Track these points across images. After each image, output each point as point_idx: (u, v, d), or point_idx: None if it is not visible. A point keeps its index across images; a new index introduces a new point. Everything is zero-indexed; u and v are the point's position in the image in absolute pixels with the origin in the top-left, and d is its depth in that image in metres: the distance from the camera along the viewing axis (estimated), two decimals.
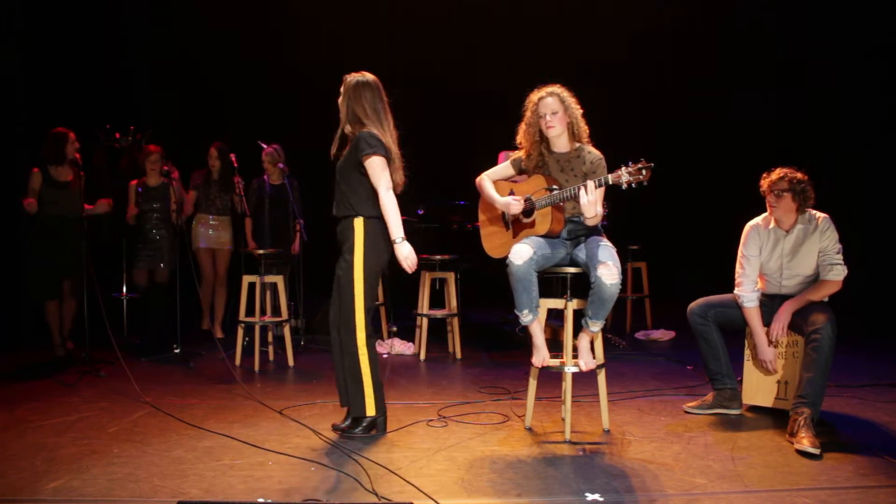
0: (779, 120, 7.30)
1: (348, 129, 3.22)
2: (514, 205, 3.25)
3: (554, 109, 3.16)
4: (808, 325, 3.23)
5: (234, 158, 5.37)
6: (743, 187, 4.50)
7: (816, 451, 2.83)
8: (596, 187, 2.91)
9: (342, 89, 3.23)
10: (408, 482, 2.56)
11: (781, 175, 3.33)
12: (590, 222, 3.05)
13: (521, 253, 3.06)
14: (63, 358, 4.99)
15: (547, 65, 6.91)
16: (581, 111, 3.22)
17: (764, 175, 3.41)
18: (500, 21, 7.64)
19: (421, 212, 6.10)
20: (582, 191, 2.92)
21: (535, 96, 3.24)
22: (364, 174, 3.13)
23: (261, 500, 2.42)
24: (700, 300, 3.62)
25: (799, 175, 3.32)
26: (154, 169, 5.28)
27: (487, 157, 4.44)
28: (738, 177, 6.01)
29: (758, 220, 3.50)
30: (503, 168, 3.43)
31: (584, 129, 3.23)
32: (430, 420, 3.42)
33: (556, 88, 3.21)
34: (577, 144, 3.24)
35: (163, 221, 5.32)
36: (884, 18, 6.48)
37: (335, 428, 3.25)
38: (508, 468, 2.74)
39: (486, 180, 3.43)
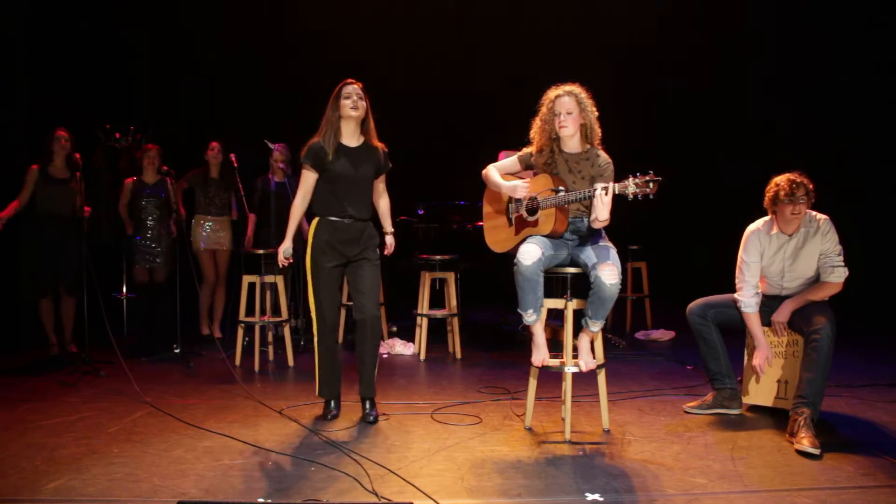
0: (779, 119, 7.30)
1: (363, 137, 3.43)
2: (520, 188, 3.23)
3: (569, 109, 3.14)
4: (808, 325, 3.23)
5: (234, 158, 5.36)
6: (743, 187, 4.50)
7: (816, 451, 2.83)
8: (616, 192, 2.89)
9: (364, 95, 3.37)
10: (408, 482, 2.56)
11: (797, 182, 3.26)
12: (598, 224, 3.03)
13: (531, 253, 3.04)
14: (57, 357, 4.99)
15: (547, 64, 6.93)
16: (597, 114, 3.20)
17: (773, 184, 3.33)
18: (501, 21, 7.64)
19: (421, 212, 6.11)
20: (602, 192, 2.89)
21: (552, 93, 3.21)
22: None
23: (261, 500, 2.42)
24: (699, 300, 3.62)
25: (805, 180, 3.30)
26: (152, 165, 5.27)
27: (487, 156, 4.44)
28: (738, 176, 6.04)
29: (758, 224, 3.47)
30: (510, 162, 3.42)
31: (597, 131, 3.21)
32: (431, 420, 3.42)
33: (575, 88, 3.19)
34: (588, 147, 3.23)
35: (160, 219, 5.32)
36: (883, 15, 6.49)
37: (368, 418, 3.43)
38: (508, 468, 2.74)
39: (493, 170, 3.43)
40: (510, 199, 3.38)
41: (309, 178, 3.41)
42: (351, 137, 3.41)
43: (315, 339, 3.49)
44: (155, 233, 5.29)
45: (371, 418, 3.38)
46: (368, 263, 3.44)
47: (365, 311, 3.39)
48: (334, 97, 3.37)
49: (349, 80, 3.38)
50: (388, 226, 3.69)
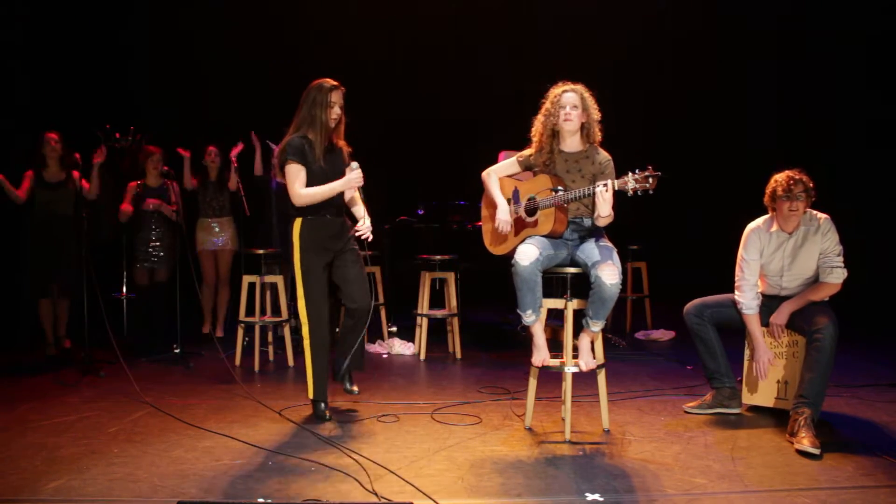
0: (779, 119, 7.30)
1: (334, 137, 3.47)
2: (505, 223, 3.33)
3: (574, 104, 3.18)
4: (809, 325, 3.23)
5: (234, 159, 5.36)
6: (743, 187, 4.50)
7: (816, 451, 2.83)
8: (615, 188, 2.92)
9: (343, 99, 3.40)
10: (408, 482, 2.56)
11: (796, 179, 3.26)
12: (602, 221, 3.05)
13: (528, 253, 3.05)
14: (55, 357, 5.02)
15: (547, 64, 6.91)
16: (599, 115, 3.23)
17: (773, 181, 3.34)
18: (501, 21, 7.64)
19: (421, 212, 6.11)
20: (601, 188, 2.92)
21: (557, 90, 3.24)
22: None
23: (261, 500, 2.42)
24: (695, 301, 3.62)
25: (805, 177, 3.30)
26: (155, 169, 5.28)
27: (487, 156, 4.44)
28: (738, 176, 6.04)
29: (758, 222, 3.47)
30: (509, 164, 3.43)
31: (597, 133, 3.23)
32: (431, 420, 3.42)
33: (580, 87, 3.23)
34: (588, 145, 3.25)
35: (162, 222, 5.32)
36: (882, 15, 6.50)
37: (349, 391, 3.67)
38: (508, 468, 2.74)
39: (492, 177, 3.44)
40: (509, 201, 3.39)
41: (302, 173, 3.37)
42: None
43: (308, 341, 3.39)
44: (158, 234, 5.30)
45: (355, 390, 3.62)
46: (352, 254, 3.49)
47: (357, 300, 3.43)
48: (323, 97, 3.35)
49: (336, 84, 3.37)
50: (360, 212, 3.49)
